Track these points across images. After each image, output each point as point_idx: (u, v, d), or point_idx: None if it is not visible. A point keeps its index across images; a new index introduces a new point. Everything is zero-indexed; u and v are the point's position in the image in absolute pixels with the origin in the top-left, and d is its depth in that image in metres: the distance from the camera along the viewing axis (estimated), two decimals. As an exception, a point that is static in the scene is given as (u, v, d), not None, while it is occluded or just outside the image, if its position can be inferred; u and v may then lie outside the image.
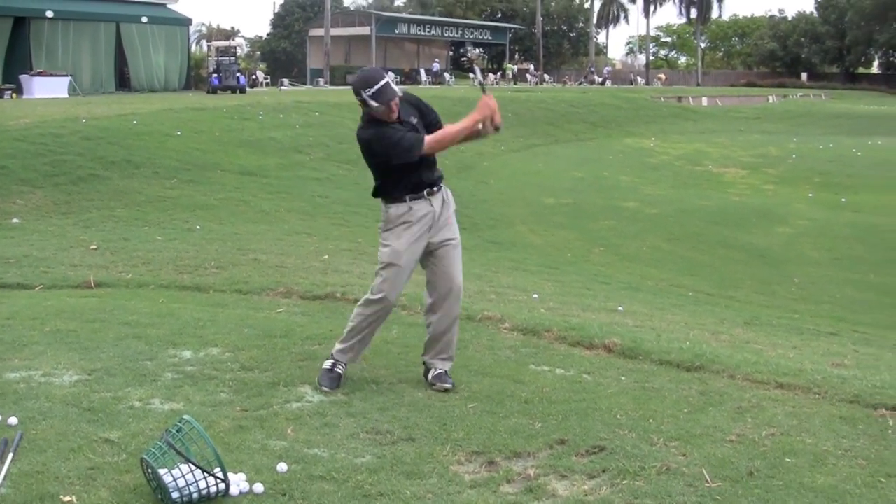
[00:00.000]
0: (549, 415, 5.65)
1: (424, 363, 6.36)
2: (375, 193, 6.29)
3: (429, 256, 6.22)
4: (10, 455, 4.35)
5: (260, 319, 8.25)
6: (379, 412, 5.66)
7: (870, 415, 5.74)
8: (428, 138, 6.03)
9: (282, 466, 4.72)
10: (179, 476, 4.29)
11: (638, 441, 5.19)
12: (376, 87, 5.88)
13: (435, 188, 6.22)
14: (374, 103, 5.88)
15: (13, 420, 5.23)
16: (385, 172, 6.14)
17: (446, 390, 6.09)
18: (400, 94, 5.99)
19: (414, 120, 6.11)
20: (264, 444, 5.10)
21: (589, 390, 6.18)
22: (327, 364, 6.24)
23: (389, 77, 6.08)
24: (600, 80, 75.60)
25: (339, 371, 6.23)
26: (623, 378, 6.51)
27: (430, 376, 6.25)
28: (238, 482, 4.46)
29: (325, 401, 5.89)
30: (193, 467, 4.29)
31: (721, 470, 4.77)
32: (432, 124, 6.22)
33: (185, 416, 4.52)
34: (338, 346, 6.27)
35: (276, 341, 7.28)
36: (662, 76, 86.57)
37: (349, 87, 5.99)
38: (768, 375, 6.49)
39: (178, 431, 4.42)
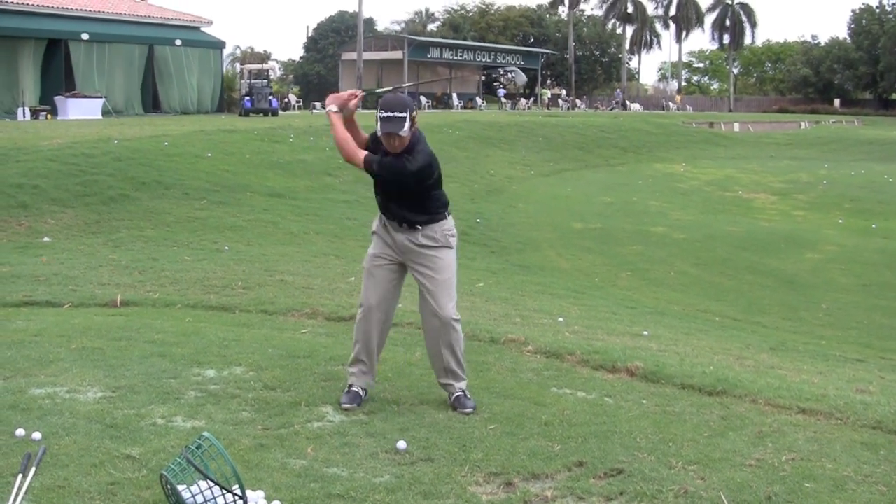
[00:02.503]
0: (569, 437, 5.65)
1: (441, 386, 6.41)
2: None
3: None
4: (33, 469, 4.40)
5: (284, 340, 8.29)
6: (399, 432, 5.67)
7: (892, 441, 5.71)
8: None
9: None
10: (198, 492, 4.32)
11: (657, 464, 5.18)
12: (383, 116, 6.01)
13: (402, 223, 6.43)
14: (379, 132, 6.07)
15: (37, 435, 5.29)
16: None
17: (467, 414, 6.11)
18: (403, 134, 6.04)
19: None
20: (284, 462, 5.13)
21: (609, 413, 6.17)
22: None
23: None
24: (616, 102, 76.17)
25: (356, 389, 6.27)
26: (644, 402, 6.50)
27: (450, 400, 6.28)
28: (256, 500, 4.48)
29: (345, 420, 5.92)
30: (212, 484, 4.32)
31: (739, 494, 4.76)
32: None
33: (205, 433, 4.55)
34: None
35: (299, 361, 7.31)
36: (678, 98, 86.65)
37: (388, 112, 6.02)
38: (790, 400, 6.46)
39: (197, 448, 4.45)
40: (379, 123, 5.97)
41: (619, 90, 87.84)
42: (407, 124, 5.94)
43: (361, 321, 6.35)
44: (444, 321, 6.25)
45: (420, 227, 6.24)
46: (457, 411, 6.14)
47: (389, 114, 5.94)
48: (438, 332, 6.28)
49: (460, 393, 6.26)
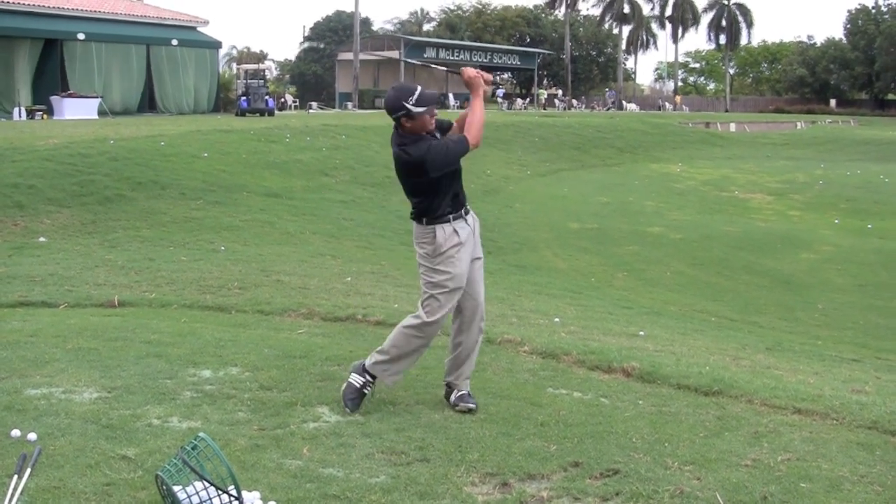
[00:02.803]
0: (565, 437, 5.65)
1: (448, 385, 6.34)
2: (420, 216, 6.12)
3: None
4: (28, 470, 4.39)
5: (280, 340, 8.29)
6: (395, 433, 5.68)
7: (888, 441, 5.72)
8: (468, 134, 6.01)
9: None
10: (193, 493, 4.32)
11: (652, 464, 5.18)
12: (416, 93, 5.89)
13: (468, 205, 6.28)
14: (418, 109, 5.85)
15: (32, 436, 5.29)
16: (433, 190, 6.02)
17: (470, 410, 6.10)
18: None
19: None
20: (280, 463, 5.13)
21: (605, 414, 6.17)
22: (357, 381, 6.15)
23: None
24: (612, 102, 76.41)
25: (367, 392, 6.16)
26: (640, 402, 6.50)
27: (453, 397, 6.24)
28: (252, 500, 4.48)
29: (341, 421, 5.92)
30: (207, 484, 4.32)
31: (735, 494, 4.76)
32: (444, 128, 6.24)
33: (201, 434, 4.54)
34: (377, 359, 6.18)
35: (295, 362, 7.31)
36: (678, 98, 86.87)
37: (378, 111, 6.01)
38: (786, 401, 6.46)
39: (192, 449, 4.45)
40: (420, 105, 5.86)
41: (611, 90, 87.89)
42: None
43: (427, 338, 6.17)
44: (482, 309, 6.30)
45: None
46: (458, 407, 6.13)
47: (419, 89, 5.96)
48: (478, 326, 6.28)
49: (465, 391, 6.26)
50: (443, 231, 6.03)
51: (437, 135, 6.08)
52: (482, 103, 6.16)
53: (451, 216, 6.06)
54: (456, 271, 6.00)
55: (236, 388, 6.53)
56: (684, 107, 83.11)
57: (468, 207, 6.25)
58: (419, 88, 5.93)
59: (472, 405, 6.14)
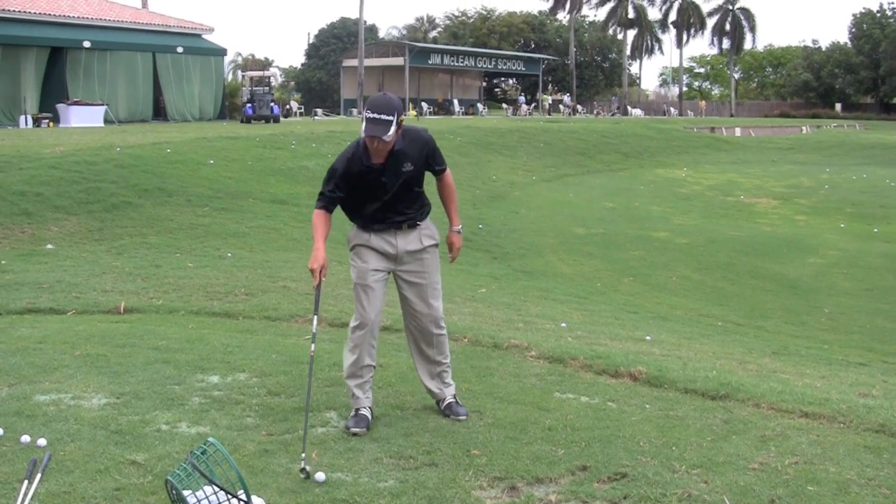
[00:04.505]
0: (573, 442, 5.66)
1: (428, 392, 6.36)
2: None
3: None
4: (39, 475, 4.42)
5: (288, 346, 8.31)
6: (403, 437, 5.70)
7: (895, 444, 5.71)
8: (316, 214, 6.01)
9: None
10: (203, 498, 4.33)
11: (660, 468, 5.19)
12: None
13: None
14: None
15: (42, 441, 5.32)
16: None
17: (462, 421, 6.09)
18: (386, 139, 5.73)
19: (407, 168, 5.95)
20: (288, 468, 5.15)
21: (613, 418, 6.18)
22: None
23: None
24: (617, 108, 76.51)
25: (364, 413, 6.00)
26: (647, 406, 6.51)
27: (441, 407, 6.25)
28: (260, 505, 4.50)
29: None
30: (217, 489, 4.33)
31: (743, 498, 4.76)
32: (435, 172, 6.21)
33: (210, 439, 4.56)
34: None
35: (303, 367, 7.30)
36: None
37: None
38: (793, 404, 6.46)
39: (202, 454, 4.46)
40: (364, 124, 5.71)
41: (614, 96, 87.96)
42: (392, 129, 5.69)
43: (362, 338, 6.07)
44: (436, 322, 6.20)
45: (419, 225, 6.14)
46: (450, 419, 6.12)
47: (376, 115, 5.66)
48: (431, 335, 6.21)
49: (452, 400, 6.24)
50: (360, 231, 6.19)
51: (406, 169, 6.01)
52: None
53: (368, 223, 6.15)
54: (359, 264, 6.13)
55: (244, 394, 6.55)
56: (688, 111, 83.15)
57: (403, 224, 6.13)
58: (375, 116, 5.70)
59: (461, 416, 6.12)
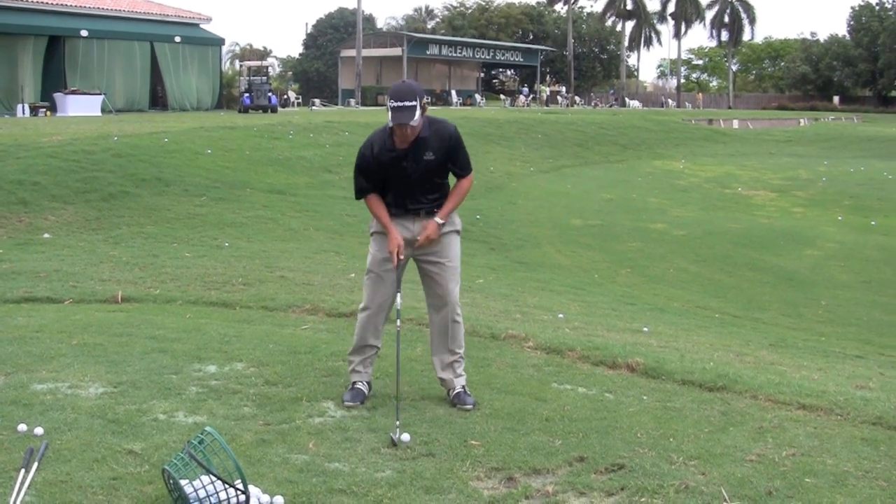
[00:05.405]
0: (570, 432, 5.66)
1: (440, 381, 6.39)
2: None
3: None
4: (35, 464, 4.41)
5: (285, 336, 8.31)
6: (400, 428, 5.69)
7: (892, 436, 5.71)
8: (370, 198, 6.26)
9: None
10: (200, 487, 4.33)
11: (657, 459, 5.19)
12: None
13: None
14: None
15: (39, 430, 5.31)
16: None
17: (468, 410, 6.11)
18: (414, 123, 5.92)
19: (428, 157, 6.11)
20: (286, 457, 5.15)
21: (610, 409, 6.19)
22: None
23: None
24: (615, 99, 76.56)
25: (360, 387, 6.27)
26: (645, 397, 6.51)
27: (450, 397, 6.28)
28: (258, 494, 4.49)
29: (346, 416, 5.93)
30: (214, 478, 4.33)
31: (740, 489, 4.76)
32: (457, 172, 6.35)
33: (207, 428, 4.56)
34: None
35: (300, 357, 7.33)
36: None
37: (381, 108, 6.01)
38: (791, 396, 6.47)
39: (199, 443, 4.46)
40: (390, 114, 5.86)
41: (612, 88, 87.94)
42: (418, 112, 5.86)
43: (367, 319, 6.33)
44: (454, 308, 6.29)
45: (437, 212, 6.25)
46: (456, 408, 6.15)
47: (399, 103, 5.82)
48: (448, 323, 6.29)
49: (460, 389, 6.26)
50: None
51: (428, 158, 6.21)
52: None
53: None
54: (375, 252, 6.42)
55: (242, 384, 6.55)
56: (686, 104, 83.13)
57: (420, 212, 6.32)
58: (399, 104, 5.90)
59: (468, 406, 6.16)
